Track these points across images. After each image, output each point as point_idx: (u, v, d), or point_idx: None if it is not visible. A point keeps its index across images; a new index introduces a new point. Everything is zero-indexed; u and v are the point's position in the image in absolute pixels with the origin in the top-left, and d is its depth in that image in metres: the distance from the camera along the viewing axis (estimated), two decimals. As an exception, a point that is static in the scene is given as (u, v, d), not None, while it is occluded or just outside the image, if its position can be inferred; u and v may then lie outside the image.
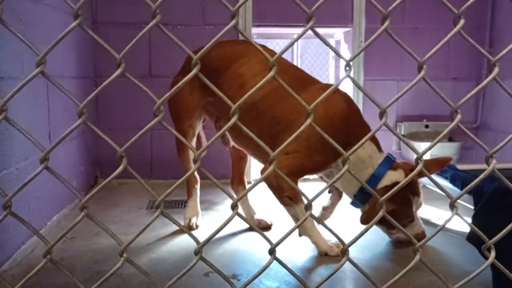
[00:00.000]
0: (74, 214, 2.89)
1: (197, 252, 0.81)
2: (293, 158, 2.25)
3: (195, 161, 0.79)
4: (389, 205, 2.09)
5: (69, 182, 2.84)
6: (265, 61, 0.81)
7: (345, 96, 2.42)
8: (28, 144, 2.20)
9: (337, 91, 2.34)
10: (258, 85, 0.83)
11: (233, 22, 0.80)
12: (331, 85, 2.54)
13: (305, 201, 2.25)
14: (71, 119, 2.96)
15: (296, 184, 2.25)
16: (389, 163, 2.33)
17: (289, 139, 0.84)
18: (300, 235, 2.31)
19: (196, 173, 2.75)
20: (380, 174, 2.30)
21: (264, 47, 2.54)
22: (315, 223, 2.34)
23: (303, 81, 2.39)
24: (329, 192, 2.68)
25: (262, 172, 2.20)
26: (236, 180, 2.81)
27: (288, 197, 2.25)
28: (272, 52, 2.40)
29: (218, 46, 2.54)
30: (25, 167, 2.26)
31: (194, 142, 2.66)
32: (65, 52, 2.96)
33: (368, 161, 2.31)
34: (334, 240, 2.33)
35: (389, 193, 0.91)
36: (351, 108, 2.38)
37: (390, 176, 2.29)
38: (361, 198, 2.33)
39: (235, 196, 2.74)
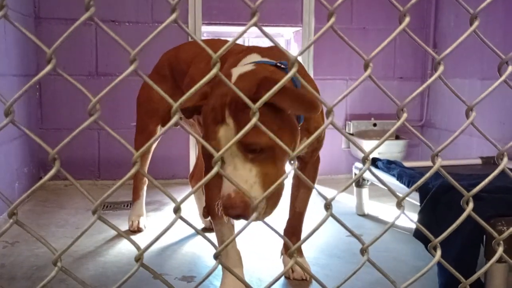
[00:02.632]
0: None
1: (138, 259, 0.77)
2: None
3: (133, 163, 0.75)
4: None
5: (11, 184, 2.69)
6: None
7: None
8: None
9: None
10: (201, 82, 0.79)
11: (173, 16, 0.76)
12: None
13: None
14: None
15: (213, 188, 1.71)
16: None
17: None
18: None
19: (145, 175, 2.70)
20: None
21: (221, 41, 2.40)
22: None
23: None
24: None
25: None
26: (196, 177, 2.74)
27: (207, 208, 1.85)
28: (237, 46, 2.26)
29: (185, 49, 2.39)
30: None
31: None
32: (6, 49, 2.83)
33: None
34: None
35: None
36: None
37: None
38: None
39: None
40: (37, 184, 0.77)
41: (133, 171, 0.77)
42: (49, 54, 0.72)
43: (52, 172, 0.74)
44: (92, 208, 0.76)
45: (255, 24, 0.79)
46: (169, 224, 0.78)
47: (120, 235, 2.54)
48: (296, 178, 2.06)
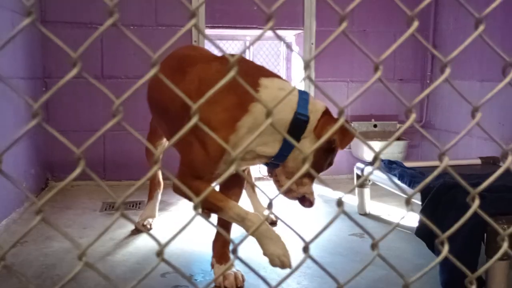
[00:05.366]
0: (24, 218, 2.80)
1: (159, 253, 0.80)
2: (187, 156, 1.92)
3: (154, 163, 0.79)
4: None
5: (19, 186, 2.72)
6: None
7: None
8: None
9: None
10: (219, 85, 0.83)
11: (193, 21, 0.80)
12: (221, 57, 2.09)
13: (230, 204, 1.88)
14: (22, 121, 2.86)
15: (208, 186, 1.88)
16: (306, 94, 1.94)
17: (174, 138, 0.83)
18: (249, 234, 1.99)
19: (160, 178, 2.74)
20: (305, 104, 1.88)
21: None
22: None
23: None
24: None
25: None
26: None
27: (207, 208, 1.92)
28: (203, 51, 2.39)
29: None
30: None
31: (164, 141, 2.61)
32: (13, 52, 2.86)
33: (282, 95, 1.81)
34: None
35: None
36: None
37: (317, 107, 1.91)
38: (286, 148, 1.88)
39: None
40: (64, 182, 0.80)
41: (153, 170, 0.80)
42: (74, 58, 0.76)
43: (77, 171, 0.78)
44: (116, 204, 0.79)
45: (271, 29, 0.83)
46: (189, 220, 0.82)
47: (131, 232, 2.54)
48: (225, 184, 2.08)
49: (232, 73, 0.83)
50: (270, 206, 0.86)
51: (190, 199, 1.82)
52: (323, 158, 1.96)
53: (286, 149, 1.86)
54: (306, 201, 2.01)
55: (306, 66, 0.86)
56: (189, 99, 0.81)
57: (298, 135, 1.87)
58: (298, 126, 1.86)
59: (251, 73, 1.94)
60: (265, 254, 1.86)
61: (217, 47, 0.87)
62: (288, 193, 1.98)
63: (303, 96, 1.91)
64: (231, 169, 0.84)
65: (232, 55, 2.28)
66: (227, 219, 1.88)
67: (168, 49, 0.87)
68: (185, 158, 1.95)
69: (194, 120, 0.84)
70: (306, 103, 1.88)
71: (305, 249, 0.84)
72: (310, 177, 1.97)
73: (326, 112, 1.92)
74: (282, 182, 1.99)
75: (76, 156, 0.80)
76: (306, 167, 0.87)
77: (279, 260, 1.84)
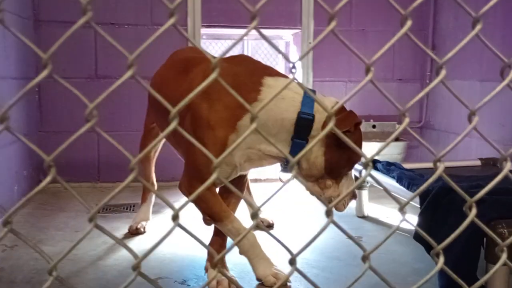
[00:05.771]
0: (15, 221, 2.75)
1: (135, 267, 0.75)
2: (191, 158, 1.90)
3: (131, 170, 0.74)
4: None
5: (10, 187, 2.68)
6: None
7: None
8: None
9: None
10: (201, 86, 0.78)
11: (172, 20, 0.75)
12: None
13: (232, 215, 1.86)
14: (13, 123, 2.82)
15: (213, 194, 1.90)
16: (313, 92, 1.88)
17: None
18: (240, 253, 1.93)
19: (154, 180, 2.70)
20: (310, 103, 1.84)
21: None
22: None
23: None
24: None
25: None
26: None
27: (208, 216, 1.88)
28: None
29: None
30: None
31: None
32: (5, 51, 2.82)
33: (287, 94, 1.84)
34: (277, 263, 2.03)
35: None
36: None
37: (325, 104, 1.97)
38: (296, 150, 1.82)
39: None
40: (32, 192, 0.76)
41: (130, 178, 0.75)
42: (45, 59, 0.71)
43: (47, 179, 0.73)
44: (89, 216, 0.74)
45: (255, 28, 0.78)
46: (167, 232, 0.77)
47: (124, 236, 2.50)
48: (225, 187, 2.05)
49: (214, 75, 0.78)
50: (254, 216, 0.81)
51: (198, 206, 1.85)
52: (338, 154, 1.84)
53: (296, 150, 1.80)
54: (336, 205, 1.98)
55: (293, 67, 0.81)
56: (194, 96, 0.78)
57: (305, 135, 1.82)
58: (303, 126, 1.81)
59: (256, 73, 1.91)
60: (258, 277, 1.90)
61: (200, 48, 0.82)
62: (317, 196, 1.94)
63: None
64: (213, 177, 0.80)
65: (237, 56, 2.21)
66: (225, 231, 1.89)
67: (153, 50, 0.83)
68: (188, 160, 1.93)
69: (173, 124, 0.80)
70: (312, 102, 1.83)
71: (292, 262, 0.79)
72: (332, 178, 1.90)
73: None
74: (305, 185, 1.93)
75: (46, 164, 0.75)
76: (294, 173, 0.83)
77: (272, 276, 1.88)
